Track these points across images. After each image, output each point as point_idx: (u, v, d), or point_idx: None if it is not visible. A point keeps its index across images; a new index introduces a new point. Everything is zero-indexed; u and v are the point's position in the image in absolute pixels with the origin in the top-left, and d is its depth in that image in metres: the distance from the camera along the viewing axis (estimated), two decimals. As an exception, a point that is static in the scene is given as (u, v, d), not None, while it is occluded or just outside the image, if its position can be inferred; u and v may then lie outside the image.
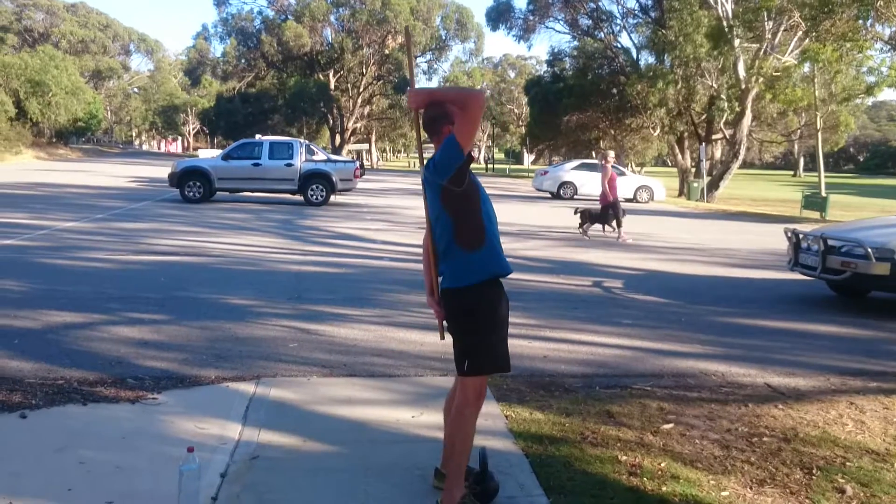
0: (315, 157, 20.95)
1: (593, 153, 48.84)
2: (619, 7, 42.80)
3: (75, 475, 3.48)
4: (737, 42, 28.56)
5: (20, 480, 3.41)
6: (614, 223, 15.11)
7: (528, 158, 74.78)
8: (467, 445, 3.25)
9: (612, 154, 15.85)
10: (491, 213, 3.26)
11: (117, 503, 3.23)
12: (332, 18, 59.66)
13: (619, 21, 43.03)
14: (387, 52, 58.23)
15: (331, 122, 62.15)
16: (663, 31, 34.12)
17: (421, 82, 53.27)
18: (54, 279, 8.53)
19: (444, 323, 3.33)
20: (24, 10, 75.04)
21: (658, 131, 39.65)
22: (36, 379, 4.90)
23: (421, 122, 3.27)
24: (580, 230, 15.50)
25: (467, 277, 3.15)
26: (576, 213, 15.85)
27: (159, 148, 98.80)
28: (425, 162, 3.25)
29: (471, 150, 3.11)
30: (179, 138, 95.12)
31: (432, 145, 3.28)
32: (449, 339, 3.32)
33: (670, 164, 54.78)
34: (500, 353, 3.23)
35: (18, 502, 3.20)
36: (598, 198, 15.88)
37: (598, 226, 15.54)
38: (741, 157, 32.04)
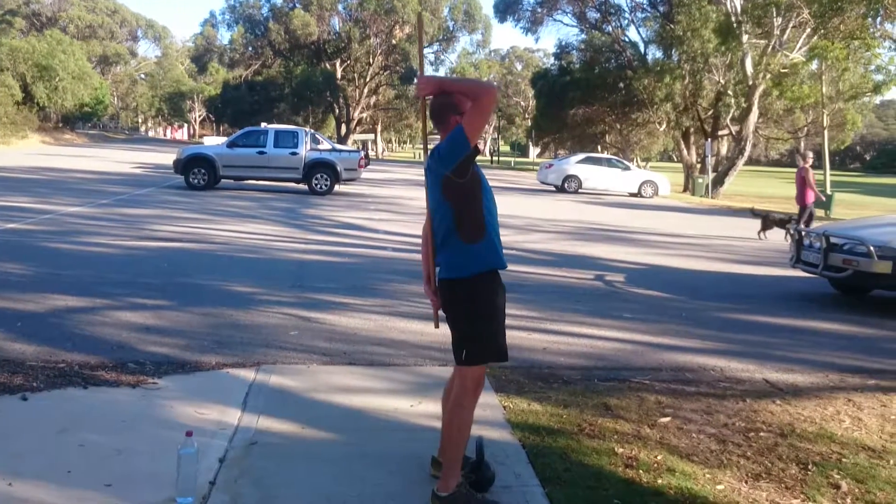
0: (320, 147, 20.94)
1: (598, 147, 48.79)
2: (628, 1, 42.74)
3: (75, 457, 3.51)
4: (745, 38, 28.46)
5: (21, 462, 3.43)
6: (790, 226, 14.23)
7: (533, 151, 74.66)
8: (464, 435, 3.27)
9: (810, 155, 15.12)
10: (492, 207, 3.25)
11: (116, 486, 3.26)
12: (339, 7, 59.59)
13: (627, 15, 42.90)
14: (394, 42, 58.10)
15: (337, 111, 62.09)
16: (671, 26, 34.02)
17: (428, 72, 53.13)
18: (58, 263, 8.57)
19: (440, 312, 3.34)
20: (33, -6, 75.05)
21: (664, 126, 39.55)
22: (37, 362, 4.92)
23: (428, 110, 3.26)
24: (760, 235, 15.16)
25: (464, 269, 3.15)
26: (754, 214, 15.34)
27: (165, 135, 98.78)
28: (430, 150, 3.25)
29: (477, 143, 3.11)
30: (185, 125, 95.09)
31: (438, 136, 3.28)
32: (446, 329, 3.33)
33: (676, 160, 54.73)
34: (497, 343, 3.24)
35: (19, 483, 3.22)
36: (795, 200, 14.95)
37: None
38: (747, 154, 31.96)
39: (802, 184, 14.55)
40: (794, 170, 16.06)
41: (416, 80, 3.26)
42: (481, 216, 3.18)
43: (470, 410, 3.28)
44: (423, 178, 3.28)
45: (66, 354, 5.15)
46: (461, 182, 3.11)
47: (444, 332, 3.44)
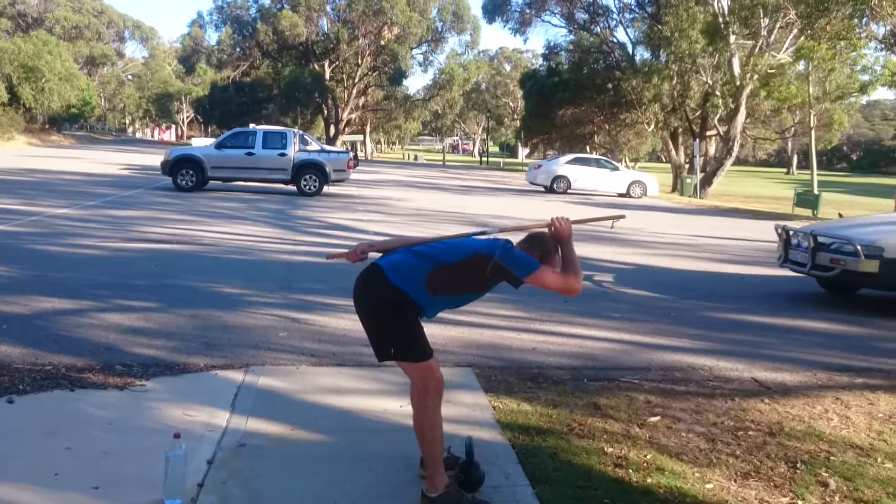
0: (309, 148, 20.90)
1: (587, 147, 48.89)
2: (616, 2, 42.73)
3: (62, 460, 3.48)
4: (732, 39, 28.59)
5: (6, 464, 3.41)
6: None
7: (522, 152, 74.76)
8: (436, 433, 3.26)
9: None
10: (461, 303, 3.52)
11: (103, 488, 3.23)
12: (328, 8, 59.37)
13: (615, 16, 42.97)
14: (382, 43, 58.00)
15: (325, 112, 61.95)
16: (659, 27, 34.13)
17: (416, 73, 53.00)
18: (44, 265, 8.51)
19: (342, 258, 3.49)
20: (19, -5, 74.55)
21: (652, 127, 39.70)
22: (24, 364, 4.89)
23: (536, 233, 3.42)
24: None
25: (401, 281, 3.17)
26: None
27: (153, 136, 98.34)
28: (506, 243, 3.27)
29: (524, 281, 3.20)
30: (173, 126, 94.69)
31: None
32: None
33: (664, 160, 54.90)
34: (423, 340, 3.26)
35: (4, 486, 3.20)
36: None
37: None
38: (735, 154, 32.10)
39: None
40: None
41: (562, 218, 3.38)
42: (453, 295, 3.33)
43: (435, 409, 3.27)
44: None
45: (52, 357, 5.11)
46: (485, 275, 3.17)
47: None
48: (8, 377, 4.59)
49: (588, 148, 49.38)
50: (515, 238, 3.40)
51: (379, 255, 3.41)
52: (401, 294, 3.15)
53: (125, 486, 3.27)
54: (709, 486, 3.59)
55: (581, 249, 12.71)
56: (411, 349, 3.22)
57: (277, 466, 3.54)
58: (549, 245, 3.33)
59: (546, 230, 3.40)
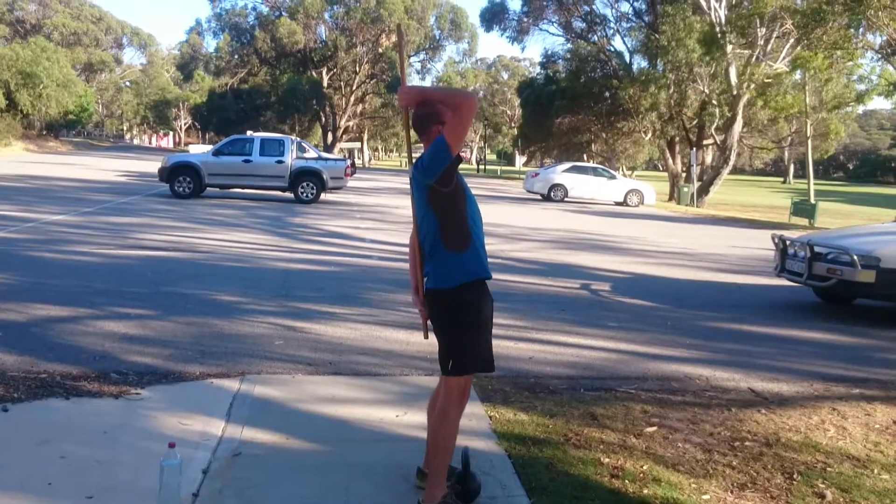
0: (306, 155, 20.92)
1: (584, 156, 48.97)
2: (614, 11, 42.94)
3: (56, 469, 3.47)
4: (729, 48, 28.69)
5: (0, 473, 3.39)
6: None
7: (519, 160, 74.87)
8: (450, 445, 3.26)
9: None
10: (476, 216, 3.26)
11: (98, 498, 3.22)
12: (326, 16, 59.46)
13: (612, 25, 43.18)
14: (380, 50, 58.09)
15: (323, 119, 62.02)
16: (656, 36, 34.23)
17: (414, 82, 53.23)
18: (41, 272, 8.49)
19: (429, 322, 3.34)
20: (17, 1, 74.53)
21: (649, 135, 39.78)
22: (19, 372, 4.87)
23: (410, 120, 3.26)
24: None
25: (451, 279, 3.15)
26: None
27: (150, 142, 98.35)
28: (414, 161, 3.24)
29: (459, 152, 3.11)
30: (171, 133, 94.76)
31: (422, 145, 3.28)
32: (433, 338, 3.32)
33: (661, 169, 55.04)
34: (484, 353, 3.24)
35: (-2, 495, 3.18)
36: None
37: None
38: (731, 163, 32.18)
39: None
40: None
41: (398, 91, 3.27)
42: (466, 225, 3.18)
43: (455, 420, 3.27)
44: (409, 187, 3.28)
45: (47, 365, 5.09)
46: (445, 192, 3.11)
47: (430, 341, 3.43)
48: (2, 385, 4.57)
49: (585, 156, 49.51)
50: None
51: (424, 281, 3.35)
52: (461, 289, 3.15)
53: (119, 496, 3.25)
54: (705, 496, 3.58)
55: (578, 258, 12.69)
56: (482, 359, 3.25)
57: (273, 476, 3.53)
58: (427, 111, 3.18)
59: (404, 108, 3.28)
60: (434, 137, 3.11)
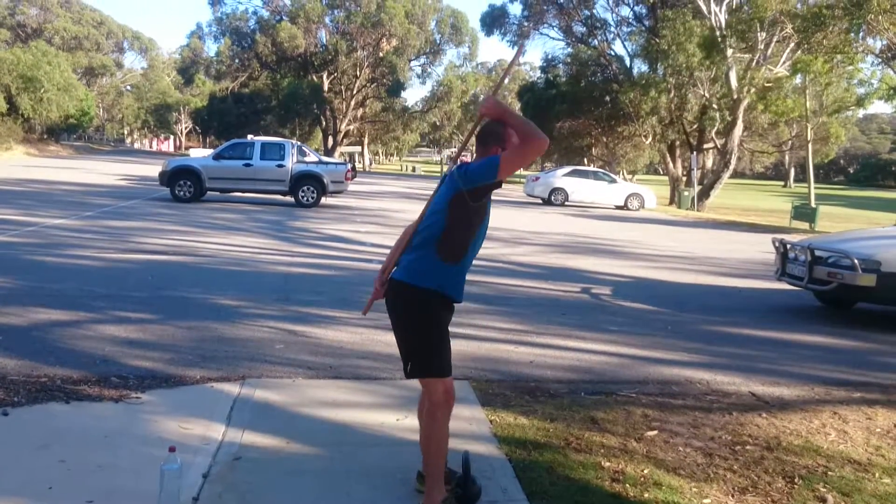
0: (307, 159, 20.92)
1: (585, 160, 49.00)
2: (614, 15, 43.01)
3: (56, 473, 3.46)
4: (729, 52, 28.73)
5: (0, 477, 3.38)
6: None
7: (520, 164, 74.70)
8: (442, 448, 3.26)
9: None
10: (478, 243, 3.29)
11: (98, 502, 3.21)
12: (326, 20, 59.56)
13: (613, 29, 43.26)
14: (381, 55, 58.17)
15: (324, 123, 62.07)
16: (656, 40, 34.27)
17: (414, 85, 53.22)
18: (41, 276, 8.49)
19: (374, 300, 3.45)
20: (18, 5, 74.74)
21: (650, 139, 39.79)
22: (19, 376, 4.86)
23: (478, 128, 3.30)
24: None
25: (424, 279, 3.17)
26: None
27: (151, 146, 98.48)
28: (458, 161, 3.26)
29: (500, 179, 3.12)
30: (171, 137, 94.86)
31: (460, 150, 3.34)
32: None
33: (662, 173, 55.02)
34: (444, 356, 3.24)
35: (-3, 500, 3.18)
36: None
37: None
38: (732, 167, 32.20)
39: None
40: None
41: (482, 98, 3.31)
42: (467, 244, 3.21)
43: (444, 423, 3.26)
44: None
45: (48, 369, 5.09)
46: (470, 204, 3.13)
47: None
48: (3, 389, 4.56)
49: (586, 160, 49.53)
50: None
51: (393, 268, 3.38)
52: (428, 292, 3.15)
53: (120, 500, 3.24)
54: (706, 501, 3.57)
55: (578, 262, 12.67)
56: (440, 363, 3.22)
57: (273, 480, 3.53)
58: (497, 130, 3.22)
59: (484, 120, 3.32)
60: (491, 154, 3.15)
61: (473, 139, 3.41)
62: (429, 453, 3.26)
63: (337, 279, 9.62)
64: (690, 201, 31.07)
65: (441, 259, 3.16)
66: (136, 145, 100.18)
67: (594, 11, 43.23)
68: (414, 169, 70.73)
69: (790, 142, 40.56)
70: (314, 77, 60.28)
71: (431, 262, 3.16)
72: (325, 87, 59.96)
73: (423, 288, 3.16)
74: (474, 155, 3.33)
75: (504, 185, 3.45)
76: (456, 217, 3.14)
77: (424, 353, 3.21)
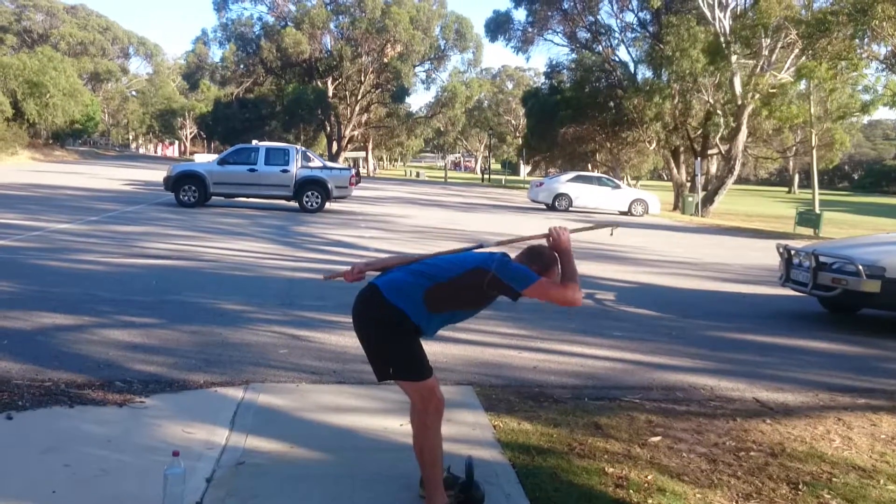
0: (311, 164, 20.95)
1: (589, 165, 48.99)
2: (618, 21, 43.12)
3: (60, 478, 3.47)
4: (733, 58, 28.73)
5: (4, 482, 3.39)
6: None
7: (524, 169, 74.89)
8: (436, 456, 3.25)
9: None
10: (458, 318, 3.42)
11: (101, 506, 3.22)
12: (331, 26, 59.76)
13: (617, 35, 43.33)
14: (385, 60, 58.33)
15: (328, 129, 62.20)
16: (661, 46, 34.28)
17: (419, 91, 53.31)
18: (46, 281, 8.51)
19: (339, 278, 3.52)
20: (24, 11, 74.98)
21: (654, 145, 39.80)
22: (23, 380, 4.88)
23: (543, 245, 3.38)
24: None
25: (403, 301, 3.17)
26: None
27: (156, 151, 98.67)
28: (503, 252, 3.32)
29: (521, 294, 3.17)
30: (176, 142, 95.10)
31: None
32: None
33: (666, 178, 55.02)
34: (423, 360, 3.24)
35: None
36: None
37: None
38: (736, 173, 32.19)
39: None
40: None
41: (560, 226, 3.40)
42: (452, 308, 3.28)
43: (435, 429, 3.26)
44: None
45: (52, 373, 5.10)
46: (480, 286, 3.15)
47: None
48: (7, 393, 4.58)
49: (590, 166, 49.45)
50: (515, 252, 3.39)
51: (377, 273, 3.40)
52: (399, 313, 3.14)
53: (123, 505, 3.25)
54: (710, 507, 3.56)
55: (582, 267, 12.69)
56: (411, 368, 3.21)
57: (277, 485, 3.53)
58: (548, 257, 3.30)
59: (544, 242, 3.37)
60: (532, 270, 3.18)
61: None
62: (423, 462, 3.27)
63: (340, 285, 9.52)
64: (694, 207, 31.03)
65: (423, 298, 3.16)
66: (141, 150, 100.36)
67: (598, 17, 43.40)
68: (418, 174, 70.76)
69: (794, 148, 40.56)
70: (319, 83, 60.45)
71: (415, 294, 3.17)
72: (330, 93, 60.12)
73: (399, 308, 3.16)
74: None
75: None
76: (463, 283, 3.16)
77: (404, 356, 3.22)
